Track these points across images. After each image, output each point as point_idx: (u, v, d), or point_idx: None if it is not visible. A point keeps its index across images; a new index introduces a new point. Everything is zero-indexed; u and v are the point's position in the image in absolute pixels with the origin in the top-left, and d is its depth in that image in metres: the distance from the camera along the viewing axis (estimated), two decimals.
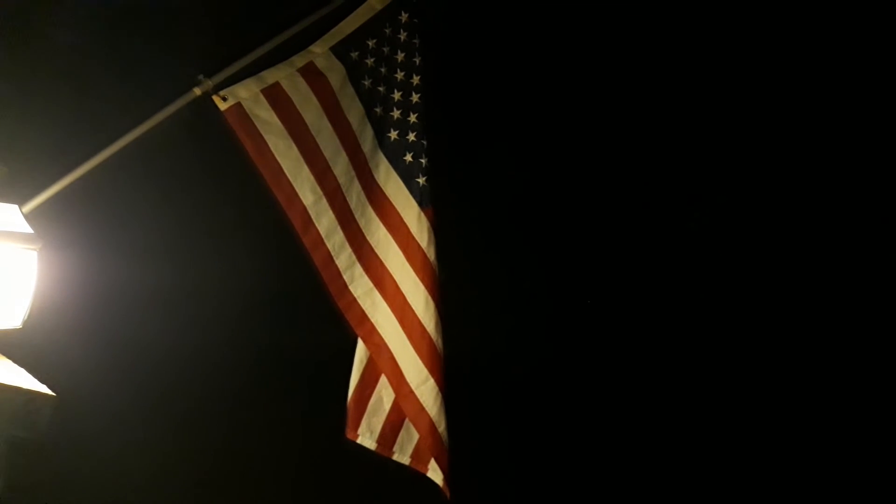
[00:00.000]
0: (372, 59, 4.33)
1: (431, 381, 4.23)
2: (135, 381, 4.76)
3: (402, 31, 4.39)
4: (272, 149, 4.09)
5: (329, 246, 4.20)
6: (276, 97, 4.10)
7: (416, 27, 4.41)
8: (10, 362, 3.39)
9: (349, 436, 4.33)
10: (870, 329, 5.74)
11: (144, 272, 4.74)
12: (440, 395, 4.23)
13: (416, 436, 4.33)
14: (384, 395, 4.35)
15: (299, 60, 4.18)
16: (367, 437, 4.34)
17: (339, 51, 4.25)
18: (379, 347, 4.29)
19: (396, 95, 4.38)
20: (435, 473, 4.29)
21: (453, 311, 4.33)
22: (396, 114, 4.37)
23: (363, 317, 4.29)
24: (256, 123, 4.06)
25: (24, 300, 3.37)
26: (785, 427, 5.75)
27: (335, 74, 4.24)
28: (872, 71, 5.62)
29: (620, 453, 5.68)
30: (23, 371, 3.38)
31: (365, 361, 4.36)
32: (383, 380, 4.34)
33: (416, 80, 4.39)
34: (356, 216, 4.29)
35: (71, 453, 4.57)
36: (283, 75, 4.13)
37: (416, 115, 4.37)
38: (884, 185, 5.72)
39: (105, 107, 4.57)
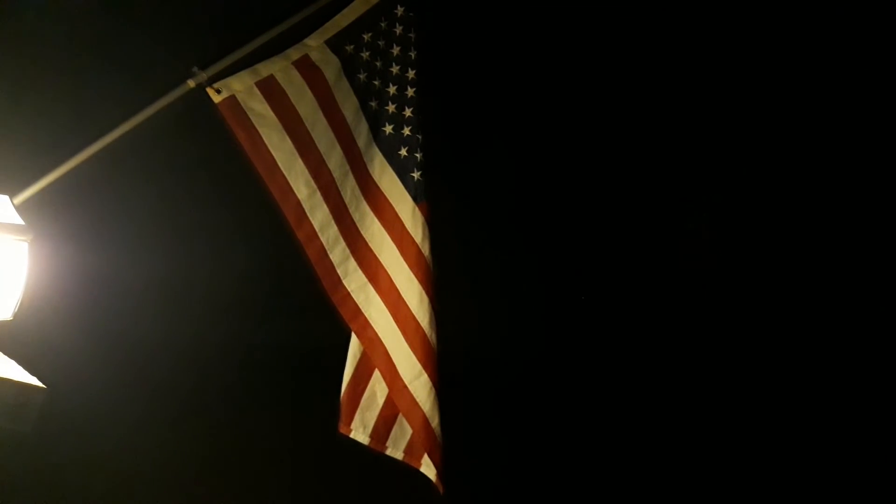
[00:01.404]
0: (367, 53, 4.32)
1: (425, 377, 4.23)
2: (126, 374, 4.75)
3: (397, 24, 4.39)
4: (266, 142, 4.08)
5: (323, 240, 4.20)
6: (271, 90, 4.09)
7: (411, 21, 4.41)
8: (0, 354, 3.38)
9: (342, 430, 4.33)
10: (870, 329, 5.74)
11: (136, 264, 4.72)
12: (434, 390, 4.23)
13: (409, 431, 4.33)
14: (378, 389, 4.35)
15: (294, 53, 4.17)
16: (360, 432, 4.34)
17: (335, 44, 4.25)
18: (373, 342, 4.29)
19: (391, 89, 4.37)
20: (428, 468, 4.29)
21: (448, 306, 4.32)
22: (391, 108, 4.36)
23: (357, 311, 4.28)
24: (250, 116, 4.06)
25: (15, 292, 3.37)
26: (782, 426, 5.74)
27: (330, 68, 4.23)
28: (872, 71, 5.62)
29: (615, 450, 5.67)
30: (13, 363, 3.37)
31: (358, 356, 4.36)
32: (377, 374, 4.34)
33: (411, 74, 4.38)
34: (350, 210, 4.28)
35: (61, 445, 4.55)
36: (278, 68, 4.12)
37: (411, 109, 4.37)
38: (883, 186, 5.72)
39: (98, 98, 4.55)
